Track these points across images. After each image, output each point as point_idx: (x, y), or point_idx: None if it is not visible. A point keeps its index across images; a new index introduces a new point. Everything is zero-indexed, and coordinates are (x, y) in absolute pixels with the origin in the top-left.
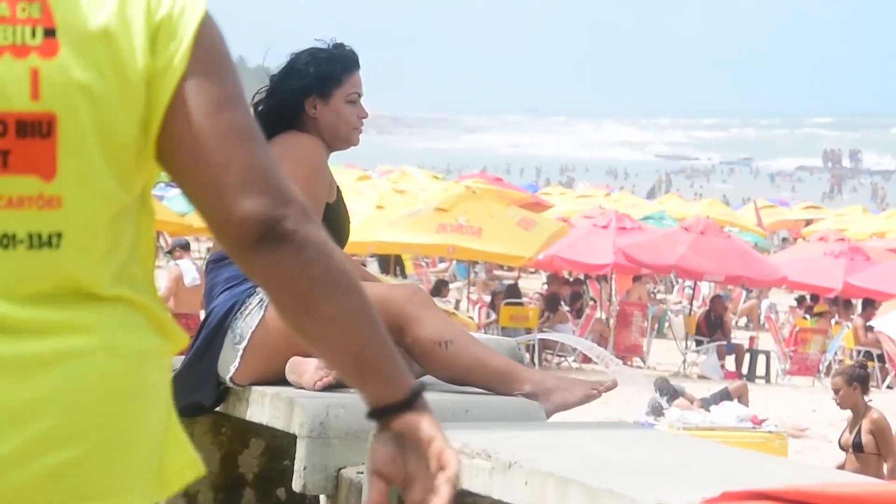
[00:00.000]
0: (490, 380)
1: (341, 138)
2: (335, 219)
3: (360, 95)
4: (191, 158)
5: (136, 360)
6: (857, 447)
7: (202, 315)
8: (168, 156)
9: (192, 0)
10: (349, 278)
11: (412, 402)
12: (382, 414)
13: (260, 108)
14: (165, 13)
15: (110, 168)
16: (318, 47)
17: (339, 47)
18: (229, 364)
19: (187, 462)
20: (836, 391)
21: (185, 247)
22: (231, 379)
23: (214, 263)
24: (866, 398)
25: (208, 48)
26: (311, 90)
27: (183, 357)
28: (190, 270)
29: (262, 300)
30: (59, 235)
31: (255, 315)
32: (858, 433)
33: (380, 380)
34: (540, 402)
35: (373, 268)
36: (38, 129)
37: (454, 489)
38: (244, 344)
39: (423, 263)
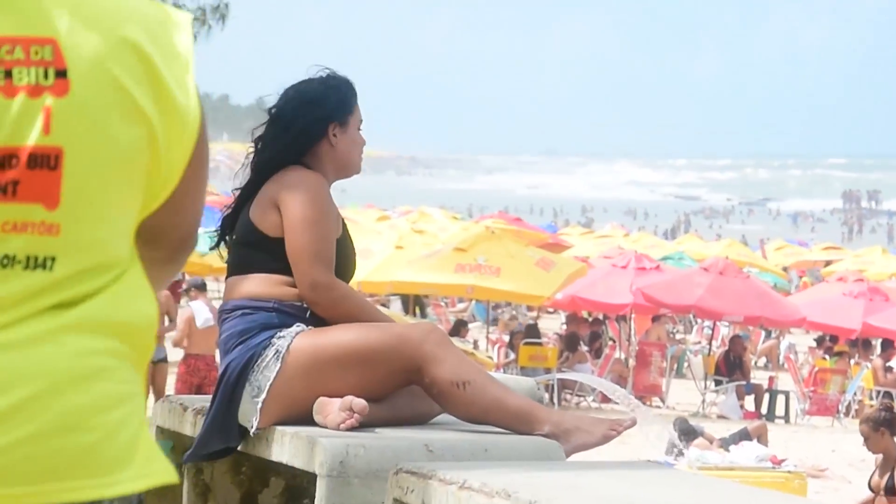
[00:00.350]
0: (509, 420)
1: (354, 165)
2: (343, 253)
3: (361, 122)
4: (172, 210)
5: (100, 366)
6: (890, 490)
7: (217, 356)
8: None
9: (186, 51)
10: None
11: None
12: None
13: (274, 138)
14: (166, 77)
15: (108, 200)
16: (329, 75)
17: (338, 76)
18: (250, 416)
19: (160, 468)
20: (866, 439)
21: (201, 287)
22: (253, 432)
23: (228, 314)
24: None
25: (203, 137)
26: (333, 118)
27: (205, 410)
28: (202, 312)
29: (277, 351)
30: (53, 259)
31: (272, 367)
32: (892, 476)
33: None
34: (560, 443)
35: (395, 307)
36: (46, 161)
37: None
38: (263, 396)
39: (443, 303)
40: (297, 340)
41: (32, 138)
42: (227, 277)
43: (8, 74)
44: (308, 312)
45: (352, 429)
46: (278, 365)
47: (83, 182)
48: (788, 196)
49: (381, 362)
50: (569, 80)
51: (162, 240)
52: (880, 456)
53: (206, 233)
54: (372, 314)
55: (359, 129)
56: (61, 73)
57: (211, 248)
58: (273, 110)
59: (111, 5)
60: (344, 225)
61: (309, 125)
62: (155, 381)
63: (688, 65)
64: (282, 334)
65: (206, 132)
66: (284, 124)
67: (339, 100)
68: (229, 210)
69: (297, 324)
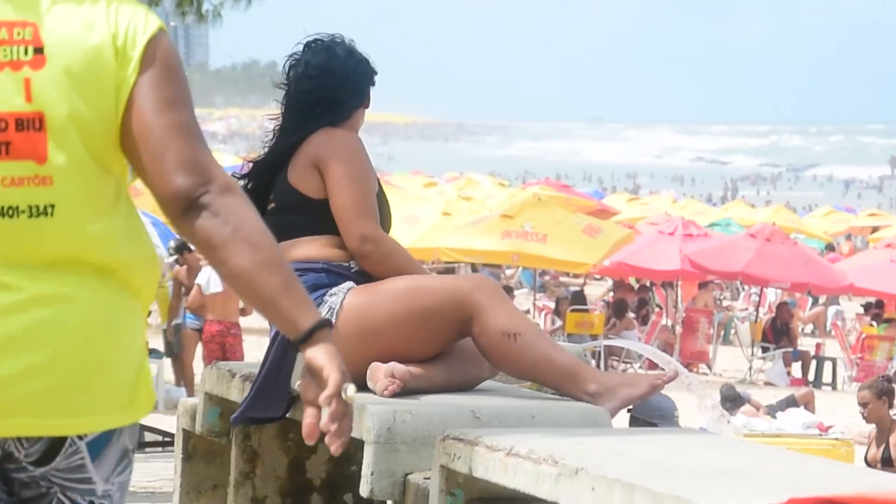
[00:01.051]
0: (555, 377)
1: None
2: (381, 208)
3: None
4: (140, 146)
5: (110, 310)
6: (887, 462)
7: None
8: (124, 144)
9: (145, 20)
10: (258, 238)
11: (308, 338)
12: (293, 346)
13: (309, 94)
14: (124, 32)
15: (90, 153)
16: (354, 49)
17: (355, 49)
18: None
19: (149, 396)
20: (865, 405)
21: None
22: None
23: None
24: (893, 412)
25: (157, 59)
26: (365, 98)
27: (253, 376)
28: (209, 277)
29: (330, 308)
30: (53, 206)
31: None
32: (887, 447)
33: (281, 321)
34: (606, 400)
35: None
36: (31, 124)
37: (340, 407)
38: None
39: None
40: (349, 297)
41: (17, 105)
42: None
43: None
44: (355, 271)
45: (400, 395)
46: (333, 320)
47: (65, 139)
48: (833, 162)
49: (434, 313)
50: (611, 45)
51: (159, 182)
52: (874, 428)
53: None
54: (419, 269)
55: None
56: (38, 50)
57: None
58: (312, 71)
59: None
60: (379, 183)
61: (361, 86)
62: (185, 347)
63: (731, 29)
64: (333, 292)
65: (166, 69)
66: (335, 84)
67: (367, 81)
68: (259, 173)
69: (348, 282)
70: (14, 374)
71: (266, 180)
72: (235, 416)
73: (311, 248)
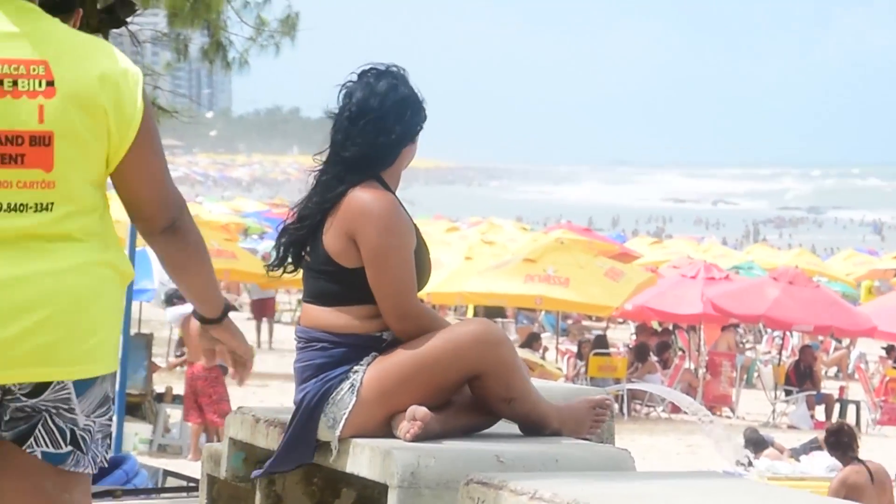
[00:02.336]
0: (531, 426)
1: (399, 177)
2: (420, 263)
3: None
4: (132, 185)
5: (96, 279)
6: None
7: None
8: (118, 177)
9: (135, 73)
10: (202, 250)
11: (222, 319)
12: (206, 322)
13: (363, 137)
14: (122, 85)
15: (84, 166)
16: (402, 75)
17: (407, 81)
18: (329, 443)
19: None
20: None
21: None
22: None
23: (306, 343)
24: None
25: (149, 111)
26: (414, 136)
27: (276, 422)
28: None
29: (352, 385)
30: (52, 203)
31: (346, 400)
32: None
33: (207, 306)
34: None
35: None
36: (42, 140)
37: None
38: (340, 428)
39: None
40: (368, 371)
41: (32, 125)
42: (303, 298)
43: (15, 83)
44: (383, 343)
45: (423, 439)
46: (353, 399)
47: (67, 153)
48: (856, 205)
49: (439, 373)
50: (630, 88)
51: (144, 212)
52: None
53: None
54: (448, 323)
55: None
56: (50, 83)
57: (270, 269)
58: (354, 108)
59: (86, 42)
60: (418, 231)
61: (410, 127)
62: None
63: (753, 70)
64: (356, 368)
65: (150, 125)
66: (384, 128)
67: (419, 115)
68: (297, 229)
69: (373, 353)
70: (19, 332)
71: (303, 236)
72: (261, 471)
73: (341, 319)
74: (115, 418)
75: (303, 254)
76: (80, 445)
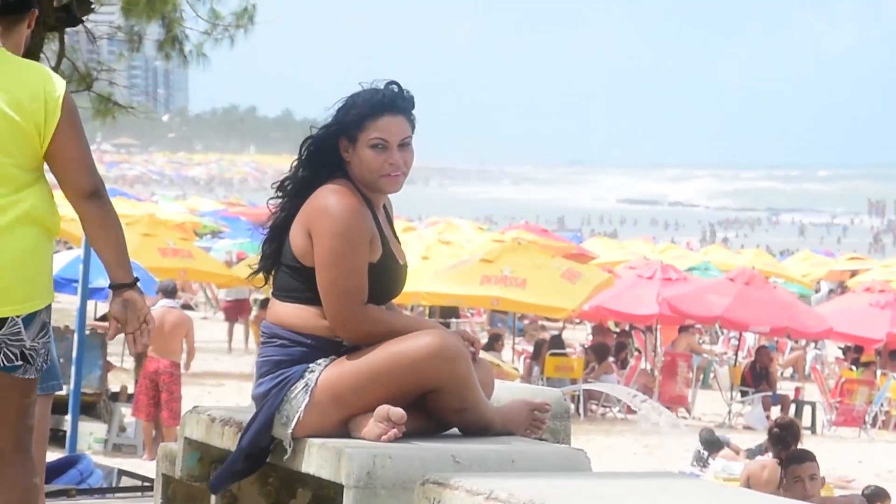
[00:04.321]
0: (478, 430)
1: (369, 185)
2: (386, 276)
3: (386, 141)
4: (60, 164)
5: (34, 241)
6: None
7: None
8: (49, 159)
9: (61, 82)
10: (119, 221)
11: (136, 282)
12: (118, 287)
13: (309, 149)
14: (50, 91)
15: (19, 153)
16: (364, 89)
17: (378, 91)
18: (283, 441)
19: (52, 290)
20: None
21: (169, 291)
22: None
23: (268, 339)
24: None
25: (69, 110)
26: (340, 133)
27: (231, 421)
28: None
29: (306, 384)
30: None
31: (300, 398)
32: None
33: (123, 270)
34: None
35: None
36: None
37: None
38: (293, 425)
39: (469, 314)
40: (324, 374)
41: None
42: (272, 291)
43: None
44: (343, 347)
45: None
46: (307, 399)
47: (5, 145)
48: (813, 206)
49: (394, 385)
50: (591, 88)
51: (72, 183)
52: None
53: (234, 244)
54: (405, 328)
55: (373, 147)
56: None
57: (250, 275)
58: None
59: (24, 65)
60: (384, 241)
61: (321, 137)
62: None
63: (712, 70)
64: (312, 368)
65: (72, 119)
66: (314, 134)
67: (351, 113)
68: (271, 229)
69: (332, 356)
70: None
71: (276, 229)
72: (217, 480)
73: (301, 318)
74: (69, 417)
75: (277, 250)
76: (27, 360)
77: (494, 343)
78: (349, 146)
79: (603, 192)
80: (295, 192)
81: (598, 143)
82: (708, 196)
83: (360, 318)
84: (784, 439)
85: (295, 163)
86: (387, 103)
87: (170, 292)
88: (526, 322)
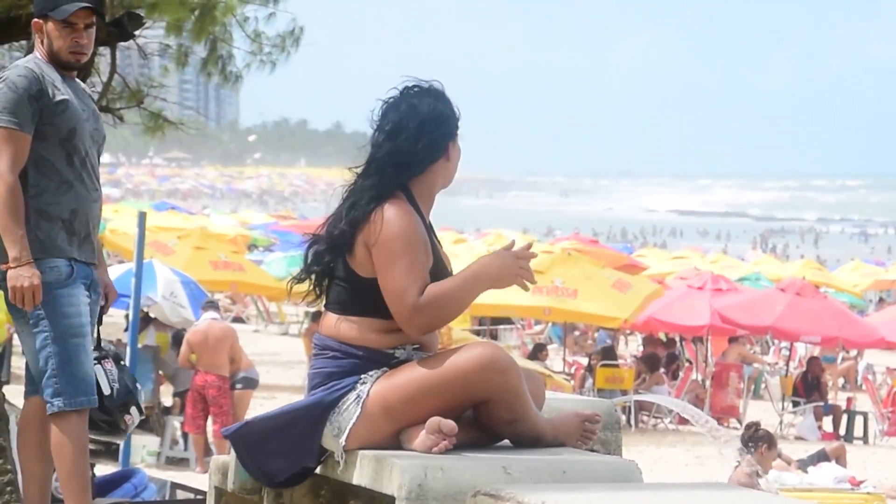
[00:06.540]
0: (528, 441)
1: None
2: (437, 271)
3: None
4: None
5: None
6: None
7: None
8: None
9: None
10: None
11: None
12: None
13: (394, 152)
14: None
15: None
16: (431, 89)
17: (435, 88)
18: (335, 453)
19: None
20: None
21: (209, 307)
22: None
23: (320, 350)
24: None
25: None
26: (452, 134)
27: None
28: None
29: (358, 396)
30: None
31: (352, 410)
32: None
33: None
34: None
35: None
36: None
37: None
38: (344, 437)
39: (520, 326)
40: (375, 386)
41: None
42: (325, 305)
43: None
44: (395, 360)
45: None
46: (358, 410)
47: None
48: (862, 215)
49: (446, 397)
50: (639, 100)
51: None
52: None
53: (285, 257)
54: (462, 283)
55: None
56: None
57: (297, 281)
58: (388, 126)
59: None
60: (434, 249)
61: (435, 141)
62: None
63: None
64: (364, 379)
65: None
66: (408, 140)
67: (453, 113)
68: (324, 240)
69: (384, 368)
70: None
71: (331, 247)
72: (232, 429)
73: (353, 329)
74: None
75: (330, 264)
76: None
77: (539, 353)
78: (452, 143)
79: (652, 203)
80: (354, 205)
81: (646, 153)
82: (756, 206)
83: (422, 304)
84: (756, 439)
85: (360, 175)
86: None
87: (212, 306)
88: (576, 333)
